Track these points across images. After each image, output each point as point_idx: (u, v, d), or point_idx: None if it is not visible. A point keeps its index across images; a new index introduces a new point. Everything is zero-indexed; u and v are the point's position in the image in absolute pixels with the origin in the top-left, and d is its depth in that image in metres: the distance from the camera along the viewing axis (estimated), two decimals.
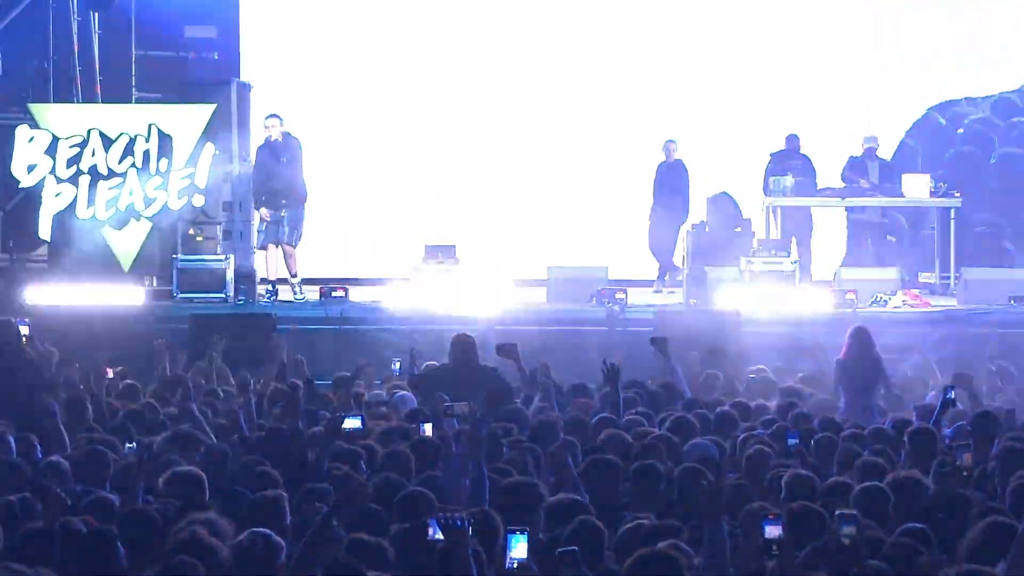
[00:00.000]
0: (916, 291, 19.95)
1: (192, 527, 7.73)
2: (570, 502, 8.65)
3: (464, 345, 13.45)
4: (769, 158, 21.43)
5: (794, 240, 20.68)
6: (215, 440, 10.94)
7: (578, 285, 19.67)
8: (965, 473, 9.25)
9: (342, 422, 10.35)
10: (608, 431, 10.98)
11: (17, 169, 19.89)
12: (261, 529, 7.71)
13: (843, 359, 14.14)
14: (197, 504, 8.72)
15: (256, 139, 20.54)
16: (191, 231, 19.60)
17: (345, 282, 20.02)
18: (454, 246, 20.27)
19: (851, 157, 21.92)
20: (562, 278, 20.09)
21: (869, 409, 13.48)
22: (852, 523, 7.60)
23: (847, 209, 21.48)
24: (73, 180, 19.86)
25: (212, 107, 20.08)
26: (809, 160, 21.45)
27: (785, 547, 7.60)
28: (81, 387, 13.16)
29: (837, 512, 7.76)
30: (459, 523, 7.30)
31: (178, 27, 21.81)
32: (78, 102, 21.14)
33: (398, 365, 15.65)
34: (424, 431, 10.73)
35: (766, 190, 21.10)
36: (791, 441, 10.70)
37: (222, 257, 19.46)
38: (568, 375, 14.67)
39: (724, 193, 21.30)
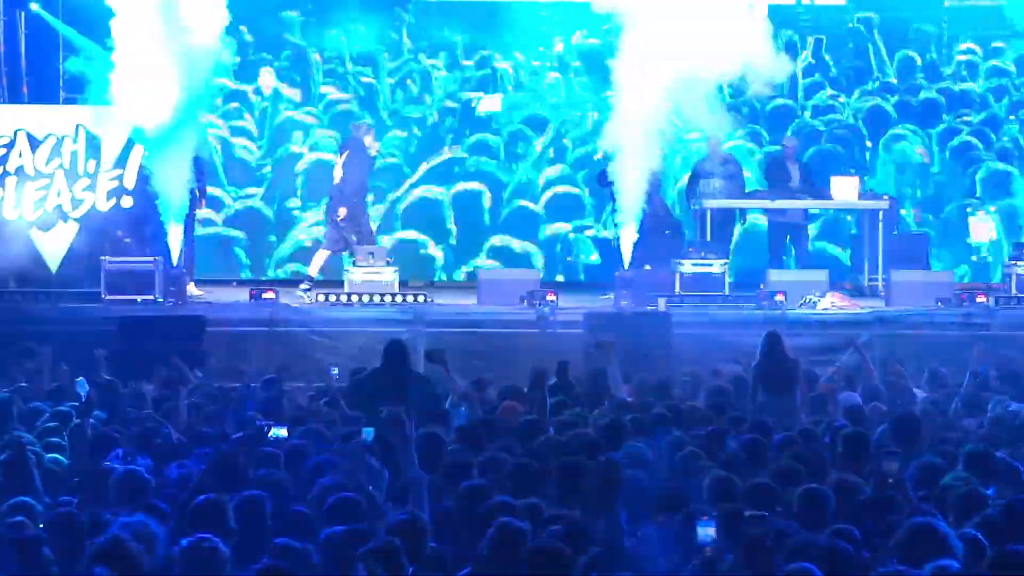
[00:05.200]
0: (844, 293, 20.08)
1: (115, 532, 7.69)
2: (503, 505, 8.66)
3: (396, 351, 13.37)
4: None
5: None
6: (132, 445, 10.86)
7: (508, 287, 19.67)
8: (891, 480, 9.34)
9: (268, 430, 10.31)
10: (540, 436, 10.97)
11: None
12: (207, 535, 7.67)
13: (759, 364, 14.21)
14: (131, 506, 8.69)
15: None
16: (119, 232, 19.46)
17: (276, 284, 19.93)
18: (385, 248, 20.24)
19: (772, 158, 22.07)
20: (492, 280, 20.09)
21: (790, 412, 13.53)
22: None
23: (768, 211, 21.58)
24: None
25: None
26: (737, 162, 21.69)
27: (718, 548, 7.68)
28: (8, 389, 13.06)
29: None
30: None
31: (105, 28, 21.64)
32: (4, 103, 20.96)
33: (336, 371, 15.55)
34: (365, 437, 10.66)
35: (693, 193, 21.18)
36: (728, 443, 10.75)
37: (151, 259, 19.31)
38: (498, 378, 14.67)
39: (657, 196, 21.35)
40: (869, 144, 23.89)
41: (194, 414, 12.45)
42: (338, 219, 20.07)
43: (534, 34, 24.21)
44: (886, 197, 21.21)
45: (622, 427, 11.35)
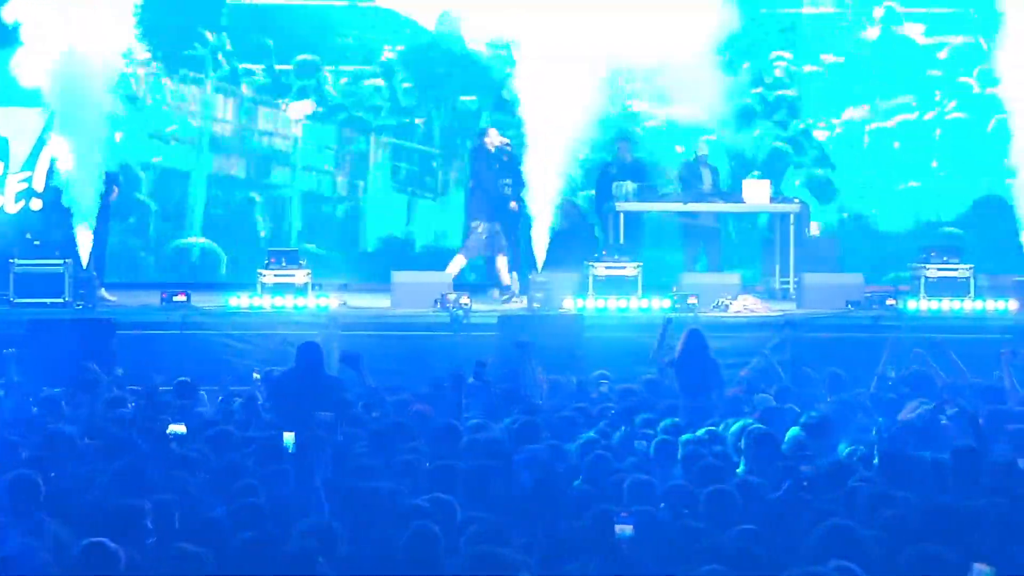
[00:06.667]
0: (756, 296, 20.21)
1: (27, 538, 7.64)
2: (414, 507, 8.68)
3: (310, 353, 13.32)
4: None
5: None
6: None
7: (422, 291, 19.65)
8: (805, 483, 9.45)
9: (166, 427, 10.26)
10: (448, 437, 10.99)
11: None
12: (98, 539, 7.62)
13: (679, 362, 14.27)
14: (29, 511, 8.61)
15: None
16: (28, 235, 19.29)
17: (187, 287, 19.79)
18: (297, 250, 20.16)
19: (685, 162, 22.18)
20: (406, 283, 20.05)
21: (708, 411, 13.60)
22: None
23: (679, 215, 21.69)
24: None
25: (50, 110, 19.80)
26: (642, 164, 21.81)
27: (635, 546, 7.77)
28: None
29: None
30: None
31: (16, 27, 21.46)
32: None
33: (258, 376, 15.50)
34: (284, 440, 10.62)
35: (607, 196, 21.25)
36: (636, 444, 10.80)
37: (60, 261, 19.15)
38: (412, 380, 14.66)
39: (569, 200, 21.44)
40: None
41: (104, 418, 12.35)
42: (477, 229, 20.57)
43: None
44: (797, 200, 21.37)
45: (535, 429, 11.38)
